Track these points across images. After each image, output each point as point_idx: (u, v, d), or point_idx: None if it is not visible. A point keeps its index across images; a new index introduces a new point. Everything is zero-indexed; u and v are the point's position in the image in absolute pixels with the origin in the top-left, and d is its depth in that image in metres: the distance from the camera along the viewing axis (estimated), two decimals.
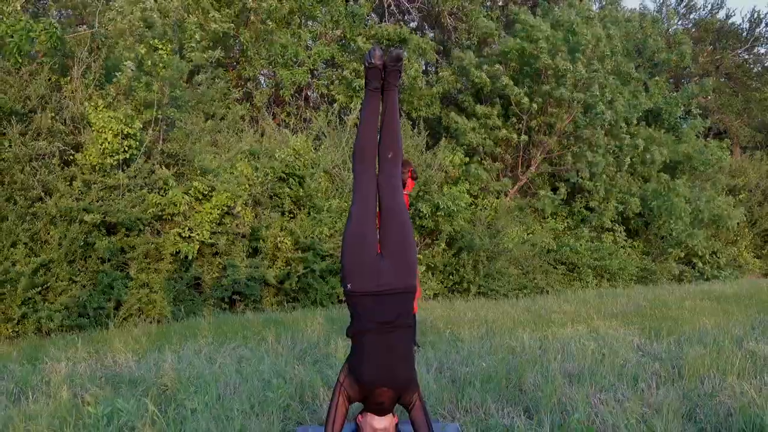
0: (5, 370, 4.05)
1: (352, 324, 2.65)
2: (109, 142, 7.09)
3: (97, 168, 7.16)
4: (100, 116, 7.27)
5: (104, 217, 6.95)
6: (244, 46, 12.63)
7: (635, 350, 4.61)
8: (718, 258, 14.70)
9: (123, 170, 7.31)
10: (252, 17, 12.06)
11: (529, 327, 5.74)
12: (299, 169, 9.62)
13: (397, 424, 2.74)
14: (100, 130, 7.10)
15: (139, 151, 7.43)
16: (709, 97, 21.21)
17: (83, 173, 7.13)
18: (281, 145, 10.01)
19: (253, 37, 12.40)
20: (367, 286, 2.59)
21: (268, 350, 4.61)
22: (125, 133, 7.26)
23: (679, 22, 24.02)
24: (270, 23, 12.32)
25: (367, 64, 2.80)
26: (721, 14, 23.94)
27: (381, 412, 2.65)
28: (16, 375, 3.84)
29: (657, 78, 14.47)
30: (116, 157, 7.18)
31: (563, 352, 4.41)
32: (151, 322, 7.17)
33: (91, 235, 6.89)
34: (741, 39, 24.63)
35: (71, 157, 7.27)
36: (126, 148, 7.29)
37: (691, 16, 24.80)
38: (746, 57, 24.54)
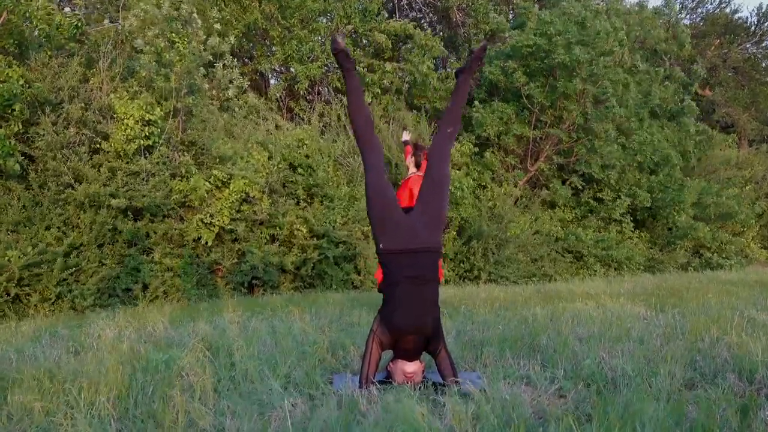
0: (57, 334, 4.37)
1: (385, 278, 2.95)
2: (130, 128, 7.43)
3: (121, 155, 7.50)
4: (125, 106, 7.61)
5: (130, 202, 7.29)
6: (273, 41, 13.01)
7: (641, 320, 4.88)
8: (725, 248, 14.90)
9: (145, 156, 7.64)
10: (276, 13, 12.44)
11: (540, 303, 6.01)
12: (307, 158, 9.93)
13: (423, 370, 3.04)
14: (122, 116, 7.45)
15: (160, 138, 7.74)
16: (712, 92, 21.35)
17: (109, 161, 7.47)
18: (288, 135, 10.34)
19: (281, 34, 12.79)
20: (400, 244, 2.88)
21: (295, 321, 4.90)
22: (146, 119, 7.59)
23: (687, 16, 24.14)
24: (293, 19, 12.68)
25: (334, 51, 3.14)
26: (729, 8, 24.00)
27: (410, 357, 2.95)
28: (68, 337, 4.16)
29: (657, 69, 14.64)
30: (137, 142, 7.51)
31: (573, 321, 4.69)
32: (177, 301, 7.50)
33: (117, 220, 7.23)
34: (749, 33, 24.67)
35: (99, 146, 7.61)
36: (148, 135, 7.62)
37: (699, 10, 24.93)
38: (754, 51, 24.59)
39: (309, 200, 10.06)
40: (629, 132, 13.09)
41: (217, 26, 10.65)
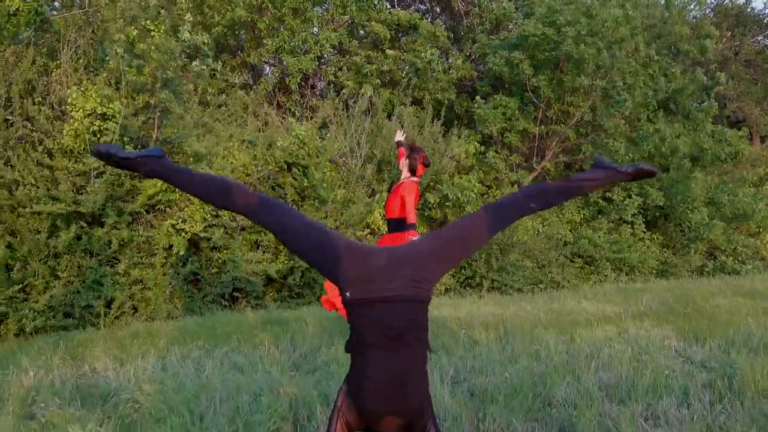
0: None
1: (351, 336, 2.16)
2: (79, 122, 6.62)
3: (74, 154, 6.70)
4: (78, 99, 6.81)
5: (77, 207, 6.47)
6: (262, 33, 12.26)
7: (675, 356, 4.10)
8: (741, 252, 14.10)
9: None
10: (266, 3, 11.70)
11: (551, 327, 5.24)
12: (303, 159, 9.13)
13: None
14: (71, 107, 6.66)
15: (116, 133, 6.92)
16: (724, 87, 20.52)
17: (62, 161, 6.66)
18: (284, 133, 9.55)
19: (270, 26, 12.04)
20: (371, 291, 2.07)
21: (263, 356, 4.14)
22: (99, 113, 6.78)
23: (696, 7, 23.27)
24: (284, 9, 11.92)
25: (111, 165, 2.15)
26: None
27: None
28: None
29: (674, 68, 13.77)
30: (85, 137, 6.69)
31: (595, 358, 3.90)
32: (146, 320, 6.75)
33: (69, 228, 6.41)
34: (761, 24, 23.90)
35: (53, 144, 6.81)
36: (101, 130, 6.80)
37: (709, 1, 24.03)
38: (766, 43, 23.81)
39: (300, 202, 9.27)
40: (635, 123, 12.29)
41: (188, 17, 9.88)
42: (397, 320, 2.07)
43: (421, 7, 16.53)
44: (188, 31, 8.68)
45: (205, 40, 9.06)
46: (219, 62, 10.21)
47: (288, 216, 2.19)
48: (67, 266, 6.44)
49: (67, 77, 7.21)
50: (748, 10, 23.66)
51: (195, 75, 9.08)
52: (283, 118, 11.65)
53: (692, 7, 17.83)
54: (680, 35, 13.91)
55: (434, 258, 2.15)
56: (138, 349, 4.43)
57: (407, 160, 5.08)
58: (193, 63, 9.15)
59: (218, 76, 10.27)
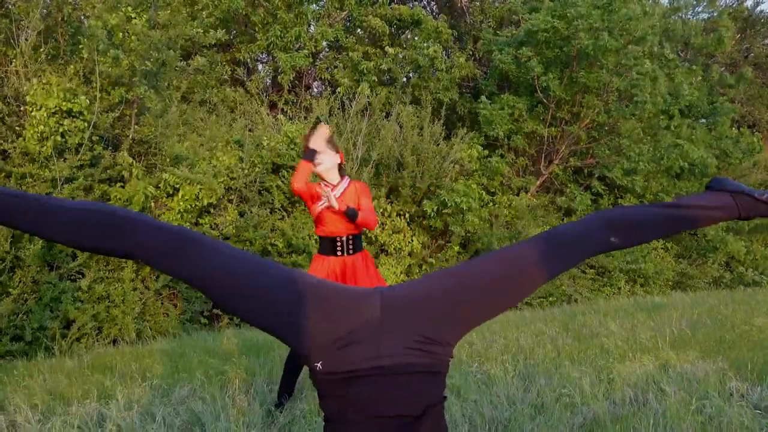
0: None
1: (327, 426, 1.37)
2: (43, 123, 5.81)
3: (34, 158, 5.88)
4: (38, 94, 5.99)
5: None
6: (256, 28, 11.51)
7: (740, 401, 3.30)
8: (760, 262, 13.32)
9: (64, 160, 6.01)
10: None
11: (578, 358, 4.44)
12: (294, 160, 8.35)
13: None
14: (31, 108, 5.84)
15: (85, 133, 6.11)
16: (734, 91, 19.86)
17: (18, 165, 5.85)
18: (272, 132, 8.78)
19: (264, 20, 11.30)
20: (357, 358, 1.29)
21: (230, 400, 3.33)
22: (65, 110, 5.97)
23: (705, 10, 22.66)
24: (277, 1, 11.18)
25: None
26: (750, 1, 22.64)
27: None
28: None
29: (693, 67, 13.00)
30: (52, 139, 5.89)
31: (645, 407, 3.11)
32: (109, 343, 5.95)
33: (24, 240, 5.61)
34: None
35: (9, 146, 6.00)
36: (71, 131, 5.99)
37: (718, 3, 23.39)
38: None
39: (288, 208, 8.49)
40: (655, 132, 11.49)
41: (205, 14, 9.17)
42: (396, 404, 1.28)
43: (422, 3, 15.81)
44: (202, 22, 8.00)
45: (219, 36, 8.31)
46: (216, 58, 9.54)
47: (218, 255, 1.36)
48: (20, 281, 5.63)
49: (26, 67, 6.42)
50: (758, 12, 23.12)
51: (195, 72, 8.33)
52: (275, 117, 10.88)
53: (700, 8, 17.18)
54: (692, 30, 13.19)
55: (455, 306, 1.36)
56: (79, 388, 3.62)
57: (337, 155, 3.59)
58: (196, 58, 8.41)
59: (214, 72, 9.54)
